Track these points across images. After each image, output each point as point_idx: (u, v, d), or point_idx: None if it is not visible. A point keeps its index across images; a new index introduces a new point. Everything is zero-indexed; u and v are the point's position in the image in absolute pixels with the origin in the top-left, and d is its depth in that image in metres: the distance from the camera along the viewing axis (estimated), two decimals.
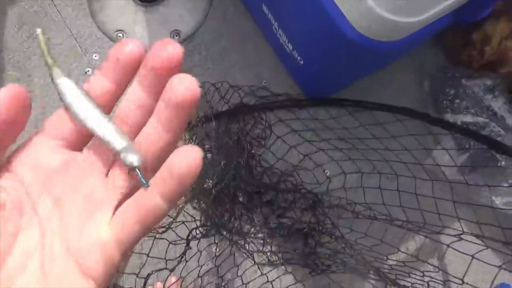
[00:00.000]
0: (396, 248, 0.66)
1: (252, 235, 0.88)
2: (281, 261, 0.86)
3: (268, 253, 0.87)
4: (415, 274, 0.62)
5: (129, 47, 0.21)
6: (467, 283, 0.52)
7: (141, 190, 0.21)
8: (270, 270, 0.83)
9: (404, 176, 0.85)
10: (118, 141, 0.21)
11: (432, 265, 0.61)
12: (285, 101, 0.92)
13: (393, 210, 0.83)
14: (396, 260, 0.68)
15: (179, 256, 0.80)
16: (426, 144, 0.89)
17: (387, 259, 0.68)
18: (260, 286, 0.79)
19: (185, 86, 0.19)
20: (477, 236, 0.59)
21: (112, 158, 0.22)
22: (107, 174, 0.22)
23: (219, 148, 0.85)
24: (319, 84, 0.88)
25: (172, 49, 0.20)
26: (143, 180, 0.20)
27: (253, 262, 0.84)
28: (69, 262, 0.20)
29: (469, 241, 0.59)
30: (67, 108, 0.22)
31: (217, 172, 0.81)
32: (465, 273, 0.53)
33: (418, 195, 0.79)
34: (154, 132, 0.21)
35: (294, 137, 0.93)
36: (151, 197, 0.20)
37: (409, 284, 0.61)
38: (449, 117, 0.85)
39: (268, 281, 0.73)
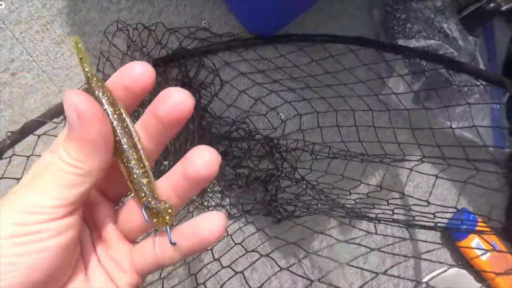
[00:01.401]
0: (358, 181, 0.63)
1: (209, 189, 0.82)
2: (242, 213, 0.81)
3: (228, 207, 0.81)
4: (380, 204, 0.60)
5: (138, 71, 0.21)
6: (432, 204, 0.50)
7: (162, 235, 0.23)
8: (231, 223, 0.78)
9: (360, 110, 0.82)
10: (150, 195, 0.22)
11: (396, 191, 0.58)
12: (229, 42, 0.83)
13: (352, 147, 0.80)
14: (360, 193, 0.65)
15: None
16: (380, 75, 0.85)
17: (351, 193, 0.65)
18: (220, 240, 0.74)
19: (204, 162, 0.21)
20: (438, 158, 0.56)
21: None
22: None
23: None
24: (263, 18, 0.80)
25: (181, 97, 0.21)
26: (170, 238, 0.22)
27: None
28: (104, 275, 0.23)
29: (432, 163, 0.56)
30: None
31: None
32: (430, 193, 0.50)
33: (376, 128, 0.76)
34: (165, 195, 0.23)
35: (242, 80, 0.86)
36: (171, 250, 0.23)
37: (373, 215, 0.58)
38: (401, 42, 0.81)
39: (228, 235, 0.68)
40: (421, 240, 0.75)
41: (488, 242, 0.85)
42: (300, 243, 0.69)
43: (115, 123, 0.21)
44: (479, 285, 0.85)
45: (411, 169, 0.53)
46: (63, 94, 0.20)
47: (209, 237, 0.22)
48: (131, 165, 0.22)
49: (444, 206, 0.47)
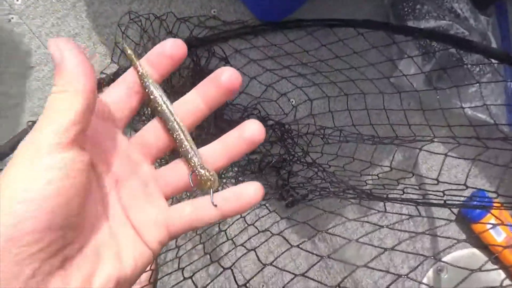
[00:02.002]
0: (368, 162, 0.63)
1: (222, 175, 0.84)
2: None
3: None
4: (390, 185, 0.60)
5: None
6: (442, 182, 0.50)
7: (204, 198, 0.26)
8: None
9: (371, 93, 0.82)
10: (197, 160, 0.26)
11: (405, 170, 0.58)
12: (238, 29, 0.84)
13: (364, 131, 0.80)
14: (370, 175, 0.66)
15: None
16: (390, 58, 0.85)
17: (361, 175, 0.66)
18: (233, 222, 0.76)
19: (258, 129, 0.27)
20: (448, 137, 0.56)
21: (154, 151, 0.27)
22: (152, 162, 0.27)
23: (172, 88, 0.78)
24: (271, 4, 0.81)
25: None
26: (212, 199, 0.25)
27: None
28: (131, 231, 0.25)
29: (444, 143, 0.56)
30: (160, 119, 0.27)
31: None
32: (439, 173, 0.51)
33: (387, 110, 0.77)
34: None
35: (253, 67, 0.87)
36: (211, 210, 0.26)
37: (384, 196, 0.58)
38: (411, 24, 0.80)
39: (241, 217, 0.70)
40: (434, 217, 0.75)
41: (504, 223, 0.84)
42: (314, 224, 0.70)
43: (168, 108, 0.26)
44: (495, 267, 0.85)
45: (420, 149, 0.54)
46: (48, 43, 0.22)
47: (249, 201, 0.26)
48: (182, 137, 0.26)
49: (454, 184, 0.48)
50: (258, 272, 0.45)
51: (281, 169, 0.82)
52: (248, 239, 0.59)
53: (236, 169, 0.85)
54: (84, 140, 0.22)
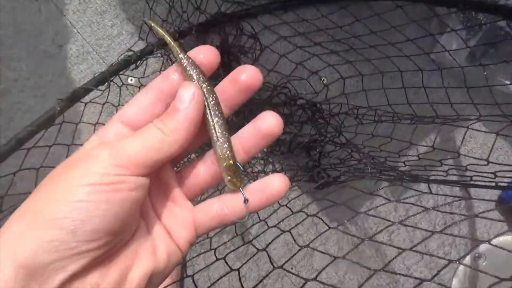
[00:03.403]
0: (408, 142, 0.60)
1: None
2: None
3: (270, 173, 0.81)
4: (432, 166, 0.57)
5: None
6: (492, 162, 0.46)
7: (230, 194, 0.27)
8: None
9: (409, 71, 0.77)
10: (228, 157, 0.26)
11: (450, 151, 0.54)
12: (268, 4, 0.81)
13: (399, 111, 0.76)
14: (409, 155, 0.62)
15: None
16: (431, 33, 0.80)
17: (399, 156, 0.62)
18: (271, 214, 0.74)
19: (275, 121, 0.26)
20: (497, 115, 0.52)
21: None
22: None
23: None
24: None
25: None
26: (245, 196, 0.26)
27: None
28: (164, 232, 0.26)
29: (491, 121, 0.52)
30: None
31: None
32: (490, 152, 0.47)
33: (426, 88, 0.72)
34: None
35: (283, 44, 0.83)
36: (239, 206, 0.26)
37: (425, 177, 0.55)
38: None
39: (280, 205, 0.67)
40: (478, 199, 0.70)
41: None
42: (345, 207, 0.67)
43: (204, 93, 0.25)
44: None
45: (467, 128, 0.50)
46: (182, 85, 0.25)
47: (276, 194, 0.26)
48: (217, 130, 0.26)
49: (507, 165, 0.44)
50: (294, 254, 0.43)
51: (312, 150, 0.79)
52: (278, 223, 0.56)
53: (265, 150, 0.83)
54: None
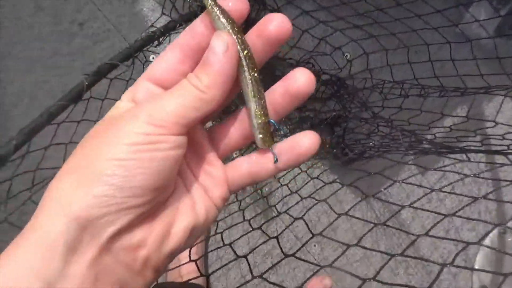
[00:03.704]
0: (439, 113, 0.59)
1: (274, 132, 0.81)
2: None
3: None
4: (466, 137, 0.56)
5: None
6: None
7: (259, 152, 0.26)
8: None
9: (435, 44, 0.75)
10: (262, 117, 0.24)
11: (486, 120, 0.53)
12: None
13: (427, 85, 0.75)
14: (441, 127, 0.61)
15: None
16: (459, 2, 0.78)
17: (430, 128, 0.61)
18: (289, 182, 0.74)
19: (305, 80, 0.24)
20: None
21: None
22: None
23: None
24: None
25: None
26: (276, 156, 0.25)
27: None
28: (201, 189, 0.26)
29: None
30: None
31: None
32: None
33: (454, 61, 0.71)
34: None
35: (305, 19, 0.82)
36: (268, 164, 0.26)
37: (458, 149, 0.54)
38: None
39: (302, 171, 0.67)
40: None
41: None
42: (368, 183, 0.67)
43: (239, 47, 0.23)
44: None
45: (504, 95, 0.49)
46: (215, 35, 0.23)
47: (305, 152, 0.25)
48: (252, 86, 0.24)
49: None
50: (332, 222, 0.43)
51: (336, 126, 0.78)
52: (311, 194, 0.56)
53: (287, 127, 0.83)
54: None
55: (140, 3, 0.82)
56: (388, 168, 0.82)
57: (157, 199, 0.23)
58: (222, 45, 0.23)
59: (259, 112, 0.24)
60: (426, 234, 0.40)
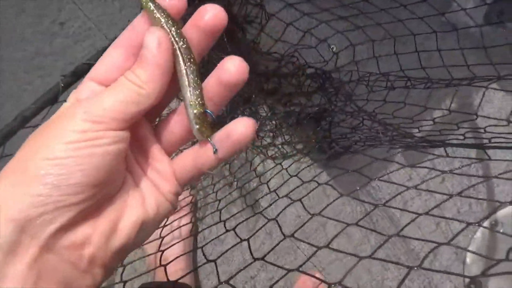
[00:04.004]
0: (423, 106, 0.57)
1: (259, 129, 0.80)
2: (295, 152, 0.79)
3: (280, 146, 0.79)
4: (449, 130, 0.54)
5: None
6: None
7: (199, 145, 0.26)
8: (282, 161, 0.76)
9: (422, 34, 0.74)
10: (198, 107, 0.24)
11: (468, 113, 0.52)
12: None
13: (413, 76, 0.73)
14: (424, 120, 0.60)
15: None
16: None
17: (413, 121, 0.60)
18: (273, 176, 0.73)
19: (236, 68, 0.24)
20: None
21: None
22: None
23: None
24: None
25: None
26: (214, 147, 0.25)
27: (264, 157, 0.77)
28: (151, 184, 0.26)
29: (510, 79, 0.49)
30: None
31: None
32: (511, 113, 0.44)
33: (441, 51, 0.69)
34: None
35: (289, 12, 0.80)
36: (209, 155, 0.25)
37: (441, 142, 0.53)
38: None
39: (283, 169, 0.66)
40: (496, 159, 0.68)
41: None
42: (357, 177, 0.65)
43: (173, 37, 0.24)
44: None
45: (486, 87, 0.47)
46: (147, 31, 0.23)
47: (241, 139, 0.25)
48: (186, 76, 0.24)
49: None
50: (306, 222, 0.42)
51: (322, 121, 0.77)
52: (289, 193, 0.55)
53: (273, 122, 0.82)
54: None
55: (120, 2, 0.81)
56: (376, 162, 0.81)
57: (100, 195, 0.23)
58: (155, 40, 0.23)
59: (193, 103, 0.24)
60: (416, 217, 0.39)
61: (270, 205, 0.53)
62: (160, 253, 0.53)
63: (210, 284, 0.82)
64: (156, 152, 0.27)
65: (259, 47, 0.79)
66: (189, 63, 0.24)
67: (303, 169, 0.65)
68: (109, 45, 0.26)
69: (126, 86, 0.23)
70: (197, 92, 0.24)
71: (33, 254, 0.20)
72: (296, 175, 0.55)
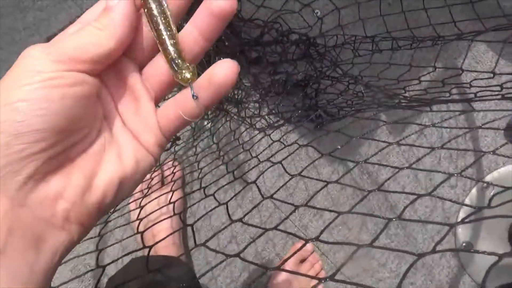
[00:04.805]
0: (408, 65, 0.55)
1: (244, 99, 0.78)
2: (282, 122, 0.77)
3: (266, 116, 0.78)
4: (434, 87, 0.53)
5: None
6: (500, 74, 0.42)
7: (182, 92, 0.25)
8: (271, 132, 0.74)
9: None
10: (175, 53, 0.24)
11: (452, 68, 0.50)
12: None
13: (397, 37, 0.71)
14: (409, 79, 0.58)
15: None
16: None
17: (399, 82, 0.58)
18: (264, 149, 0.71)
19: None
20: (505, 25, 0.47)
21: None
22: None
23: None
24: None
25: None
26: (193, 92, 0.24)
27: (251, 127, 0.75)
28: (130, 136, 0.25)
29: (497, 30, 0.47)
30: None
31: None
32: (496, 64, 0.42)
33: (427, 10, 0.67)
34: (191, 39, 0.24)
35: None
36: (192, 103, 0.24)
37: (427, 100, 0.51)
38: None
39: (266, 135, 0.65)
40: (485, 128, 0.66)
41: None
42: (345, 148, 0.64)
43: None
44: None
45: (471, 40, 0.45)
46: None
47: (224, 82, 0.24)
48: (161, 27, 0.23)
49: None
50: (285, 183, 0.41)
51: (308, 88, 0.75)
52: (270, 157, 0.54)
53: (259, 92, 0.79)
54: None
55: None
56: (365, 127, 0.80)
57: (66, 143, 0.22)
58: None
59: (169, 47, 0.23)
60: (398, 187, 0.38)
61: (252, 168, 0.52)
62: (148, 228, 0.52)
63: (201, 257, 0.82)
64: (143, 100, 0.25)
65: (241, 14, 0.77)
66: (159, 9, 0.23)
67: (287, 133, 0.64)
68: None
69: (87, 30, 0.22)
70: (170, 36, 0.23)
71: (4, 208, 0.19)
72: (278, 140, 0.53)
